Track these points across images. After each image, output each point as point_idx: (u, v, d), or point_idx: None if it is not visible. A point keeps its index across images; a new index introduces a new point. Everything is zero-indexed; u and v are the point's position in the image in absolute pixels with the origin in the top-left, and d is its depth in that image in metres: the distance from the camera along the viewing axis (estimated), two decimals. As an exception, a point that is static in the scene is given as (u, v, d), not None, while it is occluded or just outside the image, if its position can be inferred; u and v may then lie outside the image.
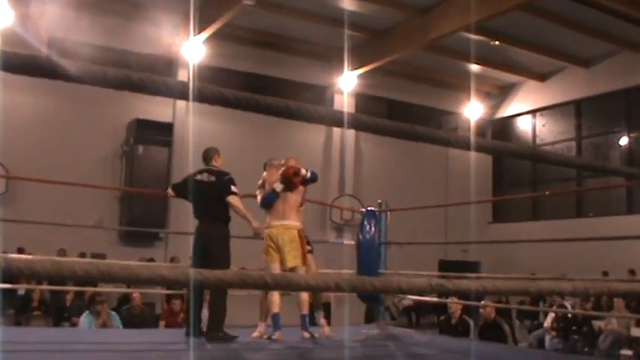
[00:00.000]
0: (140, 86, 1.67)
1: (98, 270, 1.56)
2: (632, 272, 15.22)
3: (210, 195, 6.77)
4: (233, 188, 6.76)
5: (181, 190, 7.07)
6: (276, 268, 6.81)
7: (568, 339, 12.45)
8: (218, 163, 6.99)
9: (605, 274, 15.24)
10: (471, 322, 9.60)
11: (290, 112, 1.77)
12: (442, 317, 10.19)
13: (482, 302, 9.85)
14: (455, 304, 9.36)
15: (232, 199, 6.72)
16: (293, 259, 6.87)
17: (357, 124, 1.91)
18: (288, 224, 6.94)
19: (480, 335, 9.19)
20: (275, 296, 6.87)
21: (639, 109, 19.45)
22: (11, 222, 12.05)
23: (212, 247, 6.65)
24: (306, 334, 6.79)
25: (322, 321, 7.29)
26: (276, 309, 6.84)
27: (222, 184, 6.79)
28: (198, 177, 6.85)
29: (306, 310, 6.90)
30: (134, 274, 1.64)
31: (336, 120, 1.87)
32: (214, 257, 6.48)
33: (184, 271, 1.59)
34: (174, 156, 16.39)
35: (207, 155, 7.01)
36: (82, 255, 13.35)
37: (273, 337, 6.70)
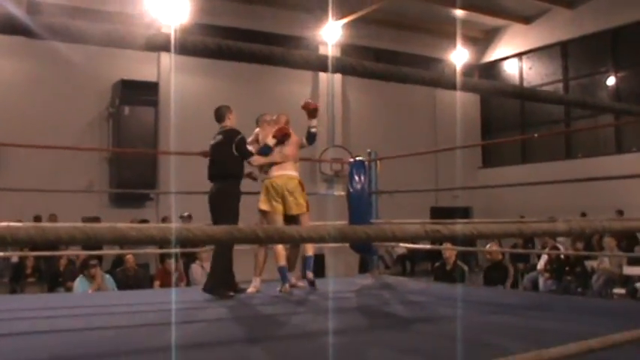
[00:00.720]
0: (119, 40, 1.61)
1: (84, 233, 1.51)
2: (621, 212, 15.30)
3: (219, 155, 6.73)
4: (250, 148, 6.82)
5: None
6: (280, 220, 6.81)
7: (561, 280, 12.55)
8: (231, 121, 6.89)
9: (584, 214, 15.38)
10: (466, 268, 9.65)
11: (275, 58, 1.71)
12: (437, 264, 10.23)
13: (488, 245, 9.90)
14: (449, 251, 9.39)
15: (255, 161, 6.85)
16: (298, 207, 6.90)
17: (344, 68, 1.85)
18: (290, 174, 6.96)
19: (485, 276, 9.26)
20: (279, 249, 6.88)
21: (626, 49, 19.40)
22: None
23: (218, 205, 6.61)
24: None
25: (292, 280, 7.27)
26: (282, 261, 6.88)
27: (230, 142, 6.68)
28: (212, 142, 6.85)
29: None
30: (122, 235, 1.60)
31: (322, 64, 1.81)
32: (221, 215, 6.47)
33: (173, 230, 1.54)
34: (160, 115, 16.27)
35: (219, 115, 6.93)
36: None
37: (281, 289, 6.75)
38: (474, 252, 12.91)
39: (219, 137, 6.78)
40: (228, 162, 6.70)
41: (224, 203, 6.58)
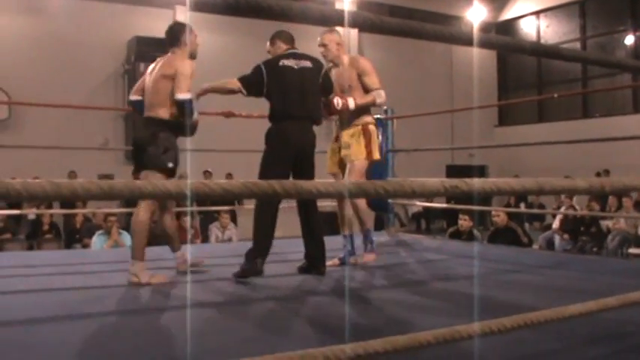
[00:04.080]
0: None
1: (100, 188, 1.50)
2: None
3: (310, 84, 5.37)
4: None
5: (255, 87, 5.29)
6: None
7: (577, 240, 12.53)
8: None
9: (602, 172, 15.28)
10: (479, 236, 9.63)
11: (293, 14, 1.67)
12: (451, 229, 10.19)
13: (493, 211, 9.84)
14: (465, 222, 9.36)
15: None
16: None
17: (362, 23, 1.81)
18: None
19: (490, 241, 9.22)
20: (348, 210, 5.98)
21: (645, 7, 19.15)
22: (15, 148, 12.05)
23: (311, 155, 5.41)
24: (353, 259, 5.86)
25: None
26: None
27: (323, 74, 5.51)
28: (285, 62, 5.28)
29: (368, 225, 6.07)
30: (137, 189, 1.58)
31: (341, 20, 1.77)
32: (312, 168, 5.43)
33: (189, 184, 1.52)
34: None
35: (286, 37, 5.50)
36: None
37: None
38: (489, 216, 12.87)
39: (308, 64, 5.39)
40: (319, 98, 5.55)
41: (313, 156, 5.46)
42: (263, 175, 5.20)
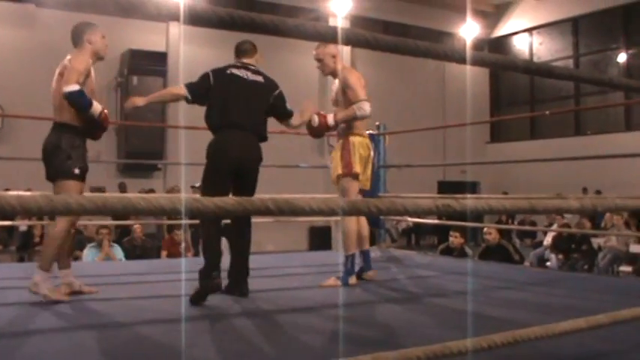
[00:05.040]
0: (127, 8, 1.59)
1: (93, 203, 1.50)
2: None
3: (258, 99, 5.12)
4: (288, 107, 5.36)
5: (200, 93, 5.04)
6: None
7: (568, 257, 12.55)
8: (260, 63, 5.37)
9: (598, 192, 15.33)
10: (470, 253, 9.64)
11: (287, 29, 1.69)
12: (442, 246, 10.18)
13: (485, 229, 9.85)
14: (456, 239, 9.37)
15: (296, 121, 5.40)
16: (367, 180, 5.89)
17: (356, 40, 1.83)
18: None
19: (482, 259, 9.22)
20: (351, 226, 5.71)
21: (637, 25, 19.27)
22: (8, 160, 12.01)
23: (253, 170, 5.09)
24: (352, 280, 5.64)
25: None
26: (353, 247, 5.68)
27: (275, 92, 5.24)
28: (235, 71, 5.07)
29: (365, 246, 5.90)
30: (131, 205, 1.59)
31: (335, 37, 1.79)
32: (254, 184, 5.11)
33: (182, 201, 1.53)
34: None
35: (244, 48, 5.29)
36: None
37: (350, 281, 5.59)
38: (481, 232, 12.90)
39: (259, 78, 5.19)
40: (265, 115, 5.23)
41: (257, 172, 5.16)
42: (204, 192, 4.99)
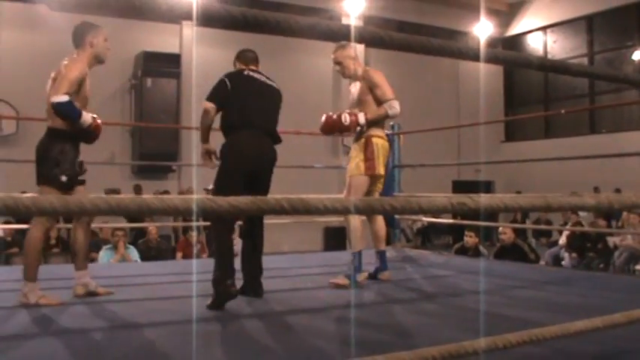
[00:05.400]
0: (139, 9, 1.59)
1: (108, 204, 1.51)
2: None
3: (274, 102, 5.17)
4: None
5: (221, 97, 4.94)
6: None
7: (583, 256, 12.48)
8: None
9: (618, 191, 15.23)
10: (486, 253, 9.62)
11: (301, 29, 1.68)
12: (457, 245, 10.16)
13: (501, 228, 9.82)
14: (471, 238, 9.35)
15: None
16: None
17: (370, 38, 1.82)
18: None
19: (497, 258, 9.20)
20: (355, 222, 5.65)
21: (653, 22, 19.15)
22: (23, 162, 12.07)
23: (268, 171, 5.08)
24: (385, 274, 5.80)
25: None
26: (359, 244, 5.63)
27: (280, 100, 5.25)
28: (251, 73, 5.10)
29: (381, 246, 5.87)
30: (146, 206, 1.59)
31: (348, 35, 1.78)
32: (268, 184, 5.10)
33: (196, 201, 1.53)
34: (182, 87, 16.30)
35: (252, 56, 5.29)
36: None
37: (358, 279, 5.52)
38: (496, 232, 12.86)
39: (273, 84, 5.20)
40: (277, 118, 5.22)
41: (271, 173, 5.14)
42: (217, 193, 4.78)
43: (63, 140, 4.61)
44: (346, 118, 5.49)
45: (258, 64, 5.23)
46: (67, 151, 4.64)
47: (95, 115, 4.74)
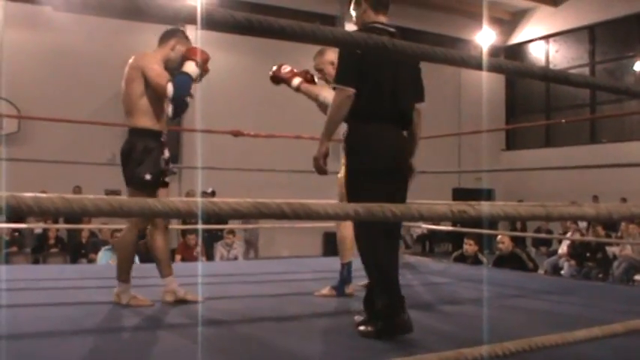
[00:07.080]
0: (144, 11, 1.59)
1: (110, 205, 1.50)
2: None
3: (409, 85, 4.15)
4: None
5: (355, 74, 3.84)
6: None
7: (583, 265, 12.48)
8: None
9: (624, 200, 15.23)
10: (485, 261, 9.63)
11: (305, 35, 1.68)
12: (456, 253, 10.15)
13: (499, 237, 9.82)
14: (470, 246, 9.36)
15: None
16: None
17: (374, 46, 1.83)
18: None
19: (495, 267, 9.20)
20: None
21: (655, 33, 19.16)
22: (24, 162, 12.08)
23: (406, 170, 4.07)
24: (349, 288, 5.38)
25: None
26: (348, 255, 5.33)
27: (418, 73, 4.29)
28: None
29: (346, 258, 5.39)
30: (148, 208, 1.59)
31: (352, 42, 1.79)
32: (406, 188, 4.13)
33: (198, 204, 1.53)
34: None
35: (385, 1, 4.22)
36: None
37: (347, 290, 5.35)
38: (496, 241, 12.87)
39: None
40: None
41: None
42: (354, 197, 3.81)
43: (146, 138, 4.65)
44: (285, 69, 5.45)
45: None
46: (152, 148, 4.67)
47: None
